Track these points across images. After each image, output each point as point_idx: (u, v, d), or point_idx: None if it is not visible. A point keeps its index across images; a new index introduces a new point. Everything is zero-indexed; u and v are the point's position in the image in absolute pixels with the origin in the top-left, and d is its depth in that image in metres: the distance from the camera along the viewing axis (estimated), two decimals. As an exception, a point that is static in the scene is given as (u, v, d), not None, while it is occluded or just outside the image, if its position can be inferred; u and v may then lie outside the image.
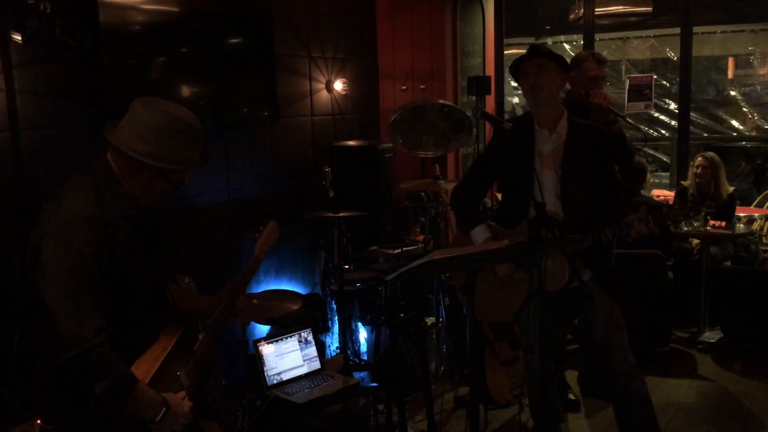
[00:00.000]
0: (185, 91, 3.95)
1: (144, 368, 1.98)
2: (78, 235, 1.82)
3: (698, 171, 5.28)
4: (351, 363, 3.81)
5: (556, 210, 2.83)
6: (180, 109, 1.98)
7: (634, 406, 2.95)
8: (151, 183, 1.97)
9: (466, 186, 3.12)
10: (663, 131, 8.92)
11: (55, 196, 1.95)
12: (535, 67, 2.85)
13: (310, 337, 3.59)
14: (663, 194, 6.06)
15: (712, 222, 4.96)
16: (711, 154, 5.38)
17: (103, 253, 1.85)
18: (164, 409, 1.92)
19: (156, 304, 2.10)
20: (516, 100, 9.03)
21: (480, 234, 2.97)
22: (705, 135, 8.63)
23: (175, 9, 3.80)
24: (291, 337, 3.53)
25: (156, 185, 1.98)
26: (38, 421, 2.79)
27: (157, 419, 1.91)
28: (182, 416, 1.99)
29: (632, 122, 2.95)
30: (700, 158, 5.34)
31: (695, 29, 5.86)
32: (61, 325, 1.76)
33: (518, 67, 2.92)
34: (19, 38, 3.03)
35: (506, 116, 6.49)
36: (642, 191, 5.25)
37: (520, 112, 7.63)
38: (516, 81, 3.02)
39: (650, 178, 5.93)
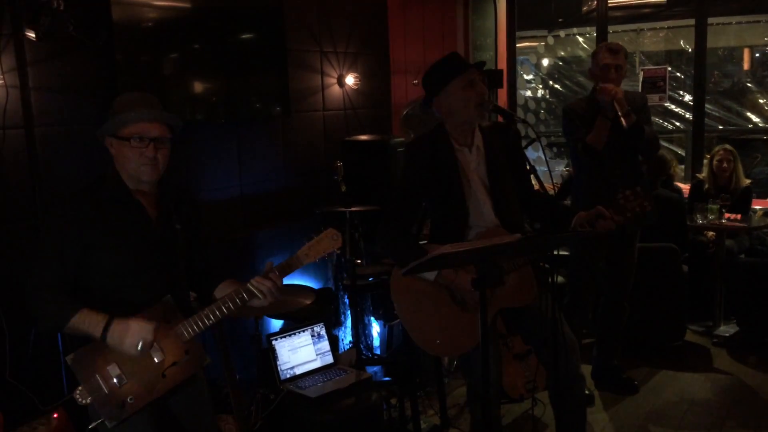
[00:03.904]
0: (197, 87, 3.96)
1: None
2: (53, 220, 2.25)
3: (723, 165, 5.22)
4: (364, 357, 3.82)
5: (495, 225, 2.75)
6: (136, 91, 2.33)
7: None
8: (123, 153, 2.22)
9: (394, 222, 2.80)
10: (678, 123, 8.84)
11: None
12: (477, 77, 2.72)
13: (323, 332, 3.60)
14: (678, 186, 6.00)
15: (727, 215, 4.91)
16: (729, 146, 5.32)
17: (72, 233, 2.18)
18: (104, 324, 2.15)
19: (145, 284, 2.26)
20: (528, 93, 8.98)
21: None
22: (720, 127, 8.55)
23: (187, 5, 3.81)
24: (304, 331, 3.54)
25: (126, 153, 2.22)
26: (55, 415, 2.83)
27: (99, 334, 2.15)
28: (129, 329, 2.15)
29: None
30: (721, 151, 5.26)
31: (710, 20, 5.80)
32: (26, 280, 2.22)
33: (453, 73, 2.72)
34: (33, 35, 3.06)
35: (518, 110, 6.46)
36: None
37: (533, 105, 7.57)
38: (437, 91, 2.76)
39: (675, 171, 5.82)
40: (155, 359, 2.23)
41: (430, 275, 2.70)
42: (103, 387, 2.17)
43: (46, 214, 2.35)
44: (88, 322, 2.15)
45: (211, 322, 2.29)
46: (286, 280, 2.39)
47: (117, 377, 2.17)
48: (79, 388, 2.16)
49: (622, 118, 3.56)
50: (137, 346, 2.16)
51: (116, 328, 2.15)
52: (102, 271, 2.23)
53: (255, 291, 2.28)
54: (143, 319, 2.18)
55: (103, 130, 2.25)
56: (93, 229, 2.19)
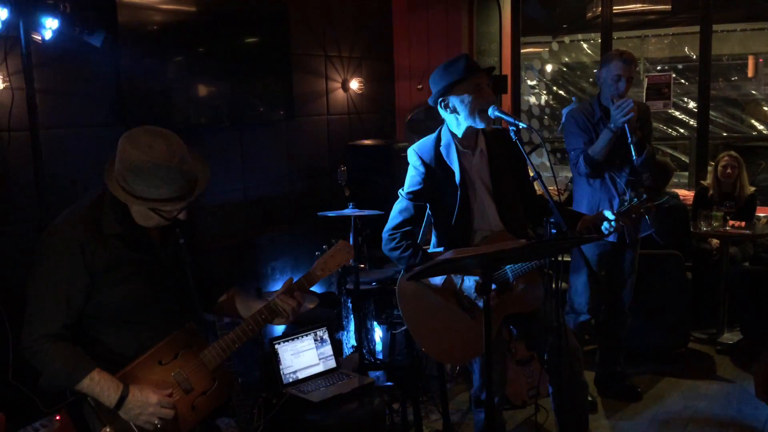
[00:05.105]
0: (202, 90, 3.97)
1: (131, 365, 2.08)
2: (54, 253, 2.01)
3: (728, 171, 5.21)
4: (366, 362, 3.81)
5: (499, 229, 2.75)
6: (159, 143, 1.98)
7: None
8: (144, 213, 2.05)
9: (400, 226, 2.81)
10: (682, 130, 8.84)
11: (63, 212, 2.11)
12: (485, 82, 2.72)
13: (326, 336, 3.60)
14: (682, 193, 5.99)
15: (731, 222, 4.90)
16: (735, 153, 5.31)
17: (76, 271, 2.00)
18: (118, 397, 2.00)
19: (158, 311, 2.13)
20: (533, 99, 8.99)
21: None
22: (724, 134, 8.54)
23: (192, 9, 3.82)
24: (307, 335, 3.54)
25: (149, 215, 2.05)
26: (57, 418, 2.83)
27: (112, 406, 2.00)
28: (149, 407, 2.02)
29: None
30: (726, 157, 5.25)
31: (715, 27, 5.80)
32: (24, 324, 2.04)
33: (461, 76, 2.69)
34: (39, 38, 3.07)
35: (522, 116, 6.46)
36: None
37: (537, 111, 7.57)
38: (444, 92, 2.74)
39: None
40: (184, 391, 2.11)
41: (438, 279, 2.70)
42: (133, 426, 2.05)
43: (43, 244, 2.04)
44: (99, 389, 1.99)
45: (237, 346, 2.19)
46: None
47: None
48: (107, 429, 2.03)
49: (632, 146, 3.54)
50: (155, 423, 2.03)
51: (134, 402, 2.00)
52: (113, 305, 2.06)
53: (280, 311, 2.21)
54: (164, 395, 2.04)
55: (119, 184, 1.98)
56: (99, 262, 2.01)
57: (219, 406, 2.23)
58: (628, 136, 3.53)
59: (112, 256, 2.04)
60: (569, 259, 4.05)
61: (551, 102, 9.03)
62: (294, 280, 2.26)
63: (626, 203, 2.68)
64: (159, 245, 2.15)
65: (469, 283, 2.71)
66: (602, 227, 2.68)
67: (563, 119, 3.99)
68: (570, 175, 4.76)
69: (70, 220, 2.05)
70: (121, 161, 1.98)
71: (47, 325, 2.00)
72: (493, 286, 2.62)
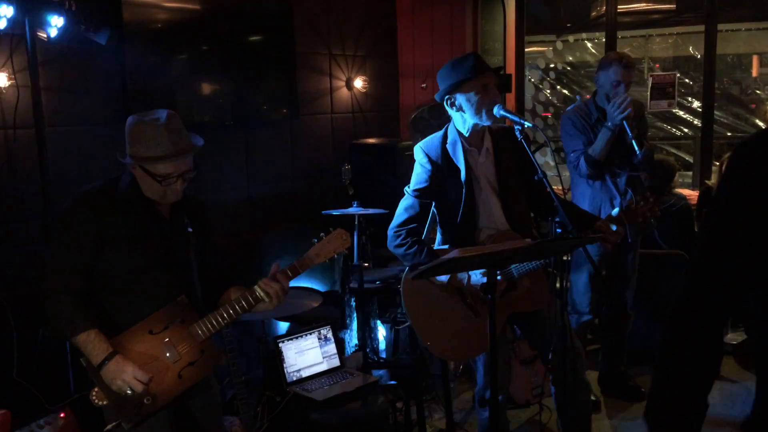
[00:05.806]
0: (206, 88, 3.97)
1: (123, 333, 2.22)
2: (71, 215, 2.23)
3: None
4: (370, 360, 3.81)
5: (504, 228, 2.76)
6: (153, 113, 2.22)
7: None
8: (148, 183, 2.23)
9: (405, 223, 2.82)
10: (686, 130, 8.81)
11: None
12: (493, 82, 2.74)
13: (330, 335, 3.60)
14: (686, 193, 5.97)
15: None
16: None
17: (87, 231, 2.19)
18: (104, 359, 2.14)
19: (154, 283, 2.25)
20: (536, 97, 8.97)
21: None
22: (729, 134, 8.51)
23: (197, 7, 3.83)
24: (311, 334, 3.54)
25: (147, 182, 2.22)
26: (61, 415, 2.83)
27: (95, 365, 2.15)
28: (123, 374, 2.13)
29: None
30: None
31: (719, 26, 5.78)
32: (44, 275, 2.22)
33: (469, 75, 2.71)
34: (44, 36, 3.07)
35: (526, 114, 6.44)
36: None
37: (541, 109, 7.55)
38: (450, 90, 2.74)
39: (677, 178, 5.82)
40: (171, 360, 2.22)
41: (444, 276, 2.70)
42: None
43: (62, 209, 2.28)
44: (91, 347, 2.15)
45: (225, 321, 2.29)
46: (294, 282, 2.38)
47: None
48: (95, 390, 2.16)
49: (634, 141, 3.53)
50: (126, 390, 2.15)
51: (113, 366, 2.14)
52: (116, 270, 2.22)
53: (262, 294, 2.27)
54: (141, 369, 2.16)
55: (126, 157, 2.22)
56: (110, 225, 2.19)
57: (206, 377, 2.34)
58: (628, 132, 3.52)
59: (120, 220, 2.21)
60: (571, 258, 4.04)
61: (555, 101, 9.02)
62: (280, 266, 2.33)
63: (633, 205, 2.68)
64: (167, 222, 2.30)
65: (476, 277, 2.71)
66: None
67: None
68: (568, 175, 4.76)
69: (88, 188, 2.27)
70: (125, 132, 2.22)
71: (62, 277, 2.18)
72: (499, 277, 2.63)
